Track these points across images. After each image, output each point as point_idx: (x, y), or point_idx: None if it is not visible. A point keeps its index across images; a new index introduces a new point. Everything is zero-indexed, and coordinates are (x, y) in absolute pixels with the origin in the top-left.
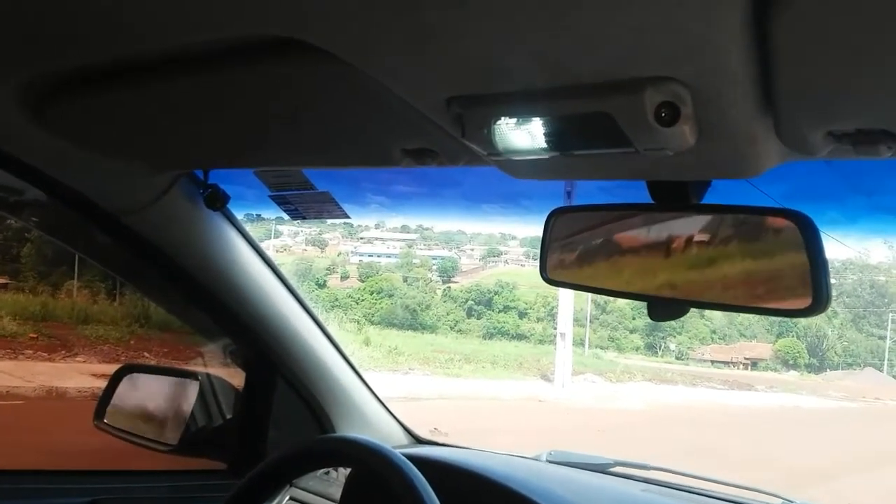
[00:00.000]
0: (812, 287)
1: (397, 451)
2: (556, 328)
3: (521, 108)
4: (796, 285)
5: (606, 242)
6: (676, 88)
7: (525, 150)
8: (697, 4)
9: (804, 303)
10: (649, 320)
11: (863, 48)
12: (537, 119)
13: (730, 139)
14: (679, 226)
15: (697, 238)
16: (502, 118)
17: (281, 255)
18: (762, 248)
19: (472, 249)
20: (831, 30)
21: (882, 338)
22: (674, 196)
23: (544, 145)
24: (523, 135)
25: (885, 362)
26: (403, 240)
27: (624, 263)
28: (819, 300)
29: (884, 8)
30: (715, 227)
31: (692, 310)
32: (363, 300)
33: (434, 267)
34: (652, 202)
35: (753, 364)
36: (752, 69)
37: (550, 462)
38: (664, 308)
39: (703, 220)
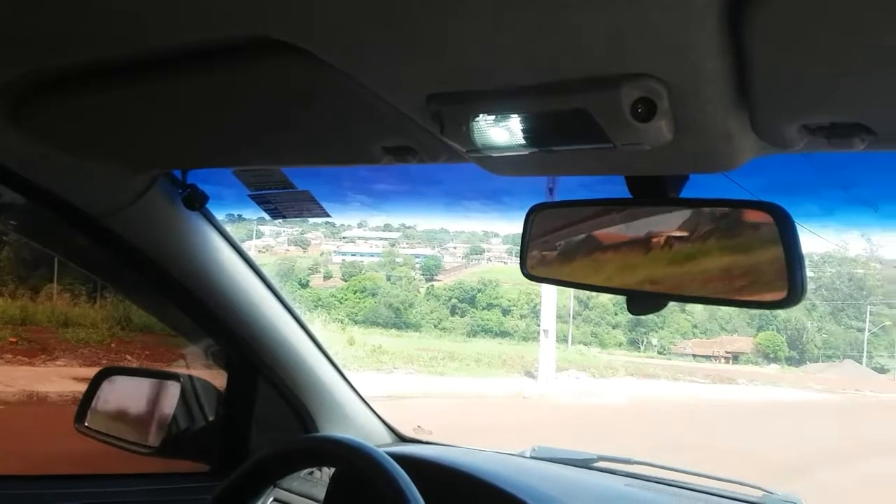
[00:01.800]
0: (788, 279)
1: (381, 450)
2: (539, 325)
3: (500, 105)
4: (773, 278)
5: (586, 238)
6: (653, 84)
7: (503, 147)
8: (674, 3)
9: (780, 295)
10: (632, 316)
11: (836, 44)
12: (515, 116)
13: (706, 134)
14: (658, 221)
15: (676, 233)
16: (481, 115)
17: (263, 255)
18: (739, 242)
19: (455, 247)
20: (806, 27)
21: (861, 330)
22: (652, 190)
23: (522, 142)
24: (502, 131)
25: (864, 354)
26: (386, 239)
27: (604, 258)
28: (794, 292)
29: (856, 6)
30: (693, 222)
31: (673, 304)
32: (346, 299)
33: (417, 265)
34: (630, 197)
35: (735, 358)
36: (727, 65)
37: (534, 458)
38: (643, 302)
39: (681, 214)
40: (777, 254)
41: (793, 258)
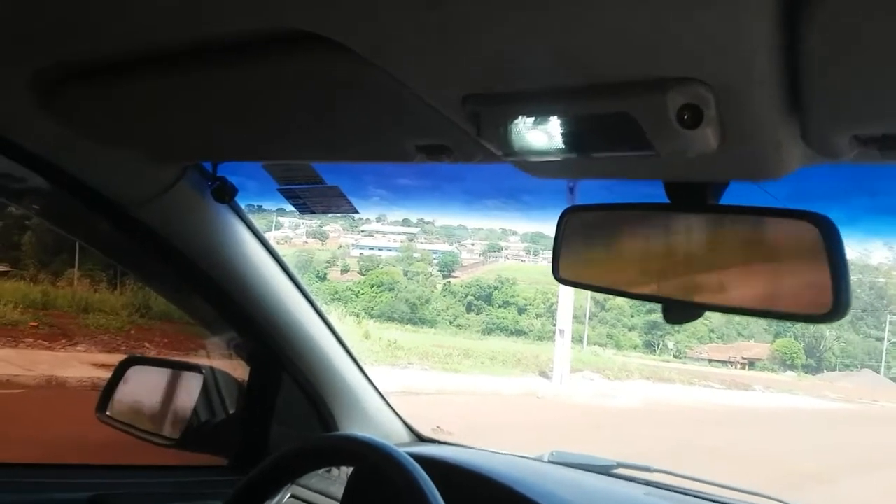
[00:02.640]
0: (832, 292)
1: (401, 450)
2: (555, 325)
3: (539, 107)
4: (815, 290)
5: (620, 242)
6: (700, 90)
7: (542, 151)
8: (726, 3)
9: (824, 308)
10: (648, 318)
11: (894, 52)
12: (555, 118)
13: (754, 142)
14: (696, 227)
15: (714, 239)
16: (519, 117)
17: (282, 246)
18: (781, 252)
19: (473, 244)
20: (863, 33)
21: (880, 339)
22: (691, 196)
23: (562, 146)
24: (540, 135)
25: (883, 364)
26: (404, 233)
27: (638, 265)
28: (839, 306)
29: None
30: (733, 230)
31: None
32: (363, 293)
33: (434, 261)
34: (668, 202)
35: (751, 364)
36: (779, 71)
37: (552, 462)
38: (680, 310)
39: (720, 221)
40: (821, 265)
41: (838, 270)
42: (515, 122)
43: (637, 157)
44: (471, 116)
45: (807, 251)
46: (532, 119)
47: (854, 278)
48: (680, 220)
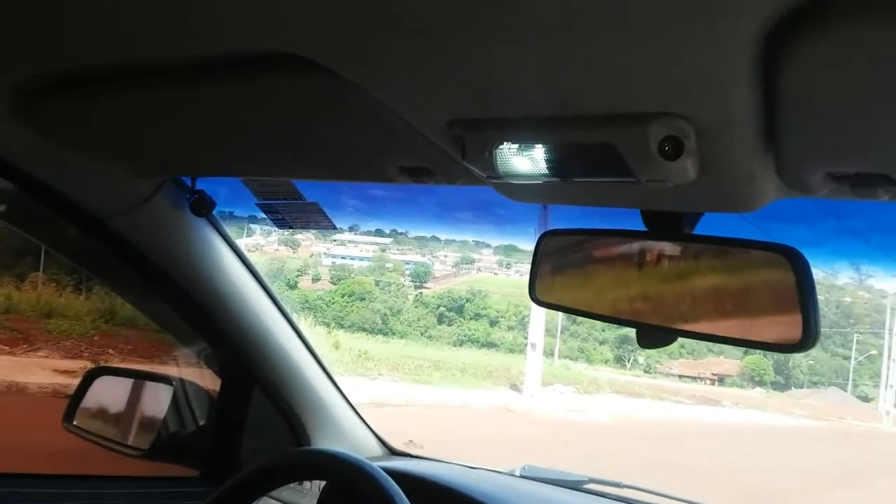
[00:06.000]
0: (802, 322)
1: (374, 464)
2: (526, 338)
3: (525, 134)
4: (786, 320)
5: (597, 267)
6: (681, 124)
7: (526, 175)
8: (709, 44)
9: (794, 338)
10: (619, 332)
11: (869, 96)
12: (540, 146)
13: (731, 175)
14: (670, 254)
15: (688, 267)
16: (505, 143)
17: (253, 254)
18: (752, 282)
19: (446, 256)
20: (839, 76)
21: (847, 358)
22: (667, 225)
23: (546, 171)
24: (525, 160)
25: (850, 382)
26: (377, 243)
27: (614, 289)
28: (808, 336)
29: (891, 58)
30: (706, 259)
31: None
32: (334, 303)
33: (407, 272)
34: (644, 230)
35: (720, 380)
36: (757, 108)
37: (524, 477)
38: (653, 335)
39: (695, 250)
40: (791, 297)
41: (807, 301)
42: (500, 147)
43: (617, 186)
44: (456, 140)
45: (778, 282)
46: (517, 145)
47: (821, 297)
48: (655, 248)
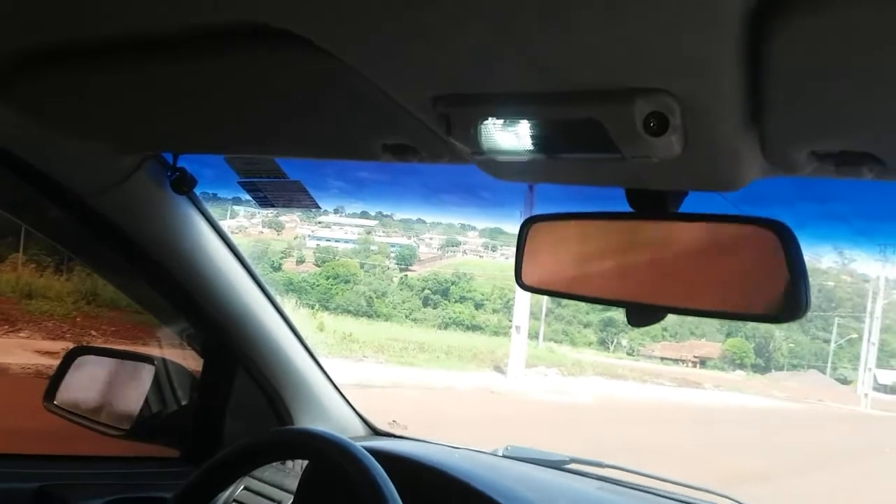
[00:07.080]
0: (791, 293)
1: (357, 444)
2: (511, 321)
3: (509, 109)
4: (774, 292)
5: (582, 249)
6: (666, 100)
7: (510, 151)
8: (695, 20)
9: (781, 308)
10: (603, 315)
11: (854, 73)
12: (525, 121)
13: (715, 152)
14: (657, 234)
15: (675, 245)
16: (489, 118)
17: (236, 236)
18: (740, 255)
19: (431, 238)
20: (825, 54)
21: (827, 341)
22: (652, 204)
23: (530, 147)
24: (509, 136)
25: (829, 365)
26: (362, 226)
27: (601, 271)
28: (798, 306)
29: (877, 36)
30: (693, 236)
31: None
32: (318, 285)
33: (392, 254)
34: (630, 210)
35: (702, 362)
36: (742, 86)
37: (506, 457)
38: (642, 313)
39: (681, 228)
40: (779, 268)
41: (797, 274)
42: (485, 123)
43: (602, 164)
44: (440, 117)
45: (766, 255)
46: (502, 121)
47: None
48: (640, 227)
